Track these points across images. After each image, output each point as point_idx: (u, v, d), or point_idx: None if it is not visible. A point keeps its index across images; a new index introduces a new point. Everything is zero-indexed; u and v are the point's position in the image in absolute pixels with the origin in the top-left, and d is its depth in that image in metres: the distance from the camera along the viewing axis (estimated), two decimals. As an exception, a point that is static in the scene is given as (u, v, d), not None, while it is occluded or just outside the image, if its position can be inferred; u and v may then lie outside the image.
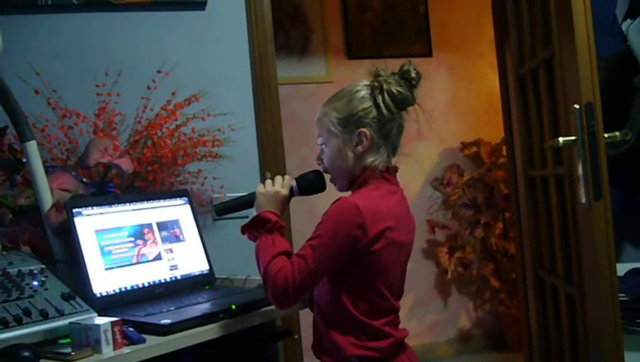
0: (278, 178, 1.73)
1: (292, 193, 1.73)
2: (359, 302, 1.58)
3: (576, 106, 1.98)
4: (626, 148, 2.48)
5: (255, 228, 1.65)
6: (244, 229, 1.68)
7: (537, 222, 2.74)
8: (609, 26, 2.62)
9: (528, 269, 2.90)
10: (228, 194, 2.33)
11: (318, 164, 1.72)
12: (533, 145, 2.71)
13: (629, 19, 2.60)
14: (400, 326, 1.67)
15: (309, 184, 1.74)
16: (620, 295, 2.09)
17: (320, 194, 1.76)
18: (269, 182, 1.72)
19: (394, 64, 1.67)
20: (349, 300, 1.57)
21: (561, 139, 2.04)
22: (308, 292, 1.61)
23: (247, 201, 1.76)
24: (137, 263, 1.90)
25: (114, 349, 1.43)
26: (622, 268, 2.41)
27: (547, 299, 2.67)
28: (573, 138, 2.01)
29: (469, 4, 4.44)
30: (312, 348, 1.68)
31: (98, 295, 1.76)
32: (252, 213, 1.72)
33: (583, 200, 1.99)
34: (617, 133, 2.07)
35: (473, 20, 4.45)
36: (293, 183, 1.73)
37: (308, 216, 2.26)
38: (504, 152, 3.67)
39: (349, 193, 1.66)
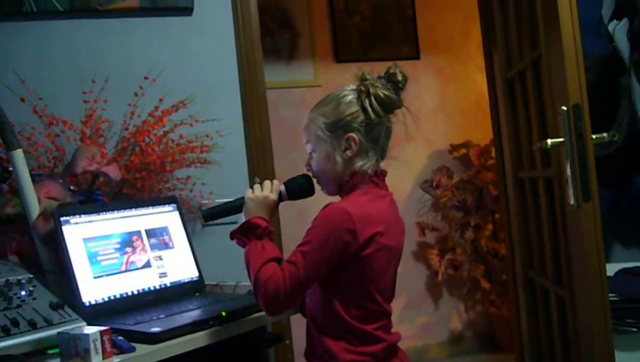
0: (267, 183, 1.71)
1: (281, 198, 1.72)
2: (351, 307, 1.57)
3: (564, 108, 1.99)
4: (614, 148, 2.49)
5: (244, 234, 1.63)
6: (234, 235, 1.66)
7: (527, 224, 2.74)
8: (595, 27, 2.63)
9: (518, 271, 2.90)
10: (217, 200, 2.32)
11: (308, 170, 1.72)
12: (522, 147, 2.72)
13: (615, 20, 2.61)
14: (392, 330, 1.67)
15: (298, 188, 1.73)
16: (610, 295, 2.09)
17: (311, 198, 1.75)
18: (257, 187, 1.71)
19: (382, 67, 1.67)
20: (341, 305, 1.57)
21: (549, 140, 2.05)
22: (299, 299, 1.60)
23: (236, 207, 1.74)
24: (126, 271, 1.88)
25: (103, 358, 1.42)
26: (612, 269, 2.42)
27: (538, 300, 2.67)
28: (562, 140, 2.01)
29: (457, 7, 4.45)
30: (304, 355, 1.67)
31: (87, 304, 1.75)
32: (241, 218, 1.71)
33: (572, 202, 1.99)
34: (605, 134, 2.08)
35: (460, 23, 4.46)
36: (282, 188, 1.72)
37: (298, 221, 2.26)
38: (493, 154, 3.67)
39: (338, 198, 1.66)
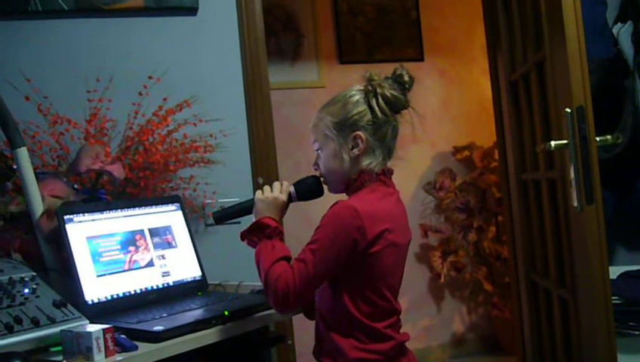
0: (277, 184, 1.73)
1: (290, 199, 1.73)
2: (361, 303, 1.58)
3: (568, 110, 1.99)
4: (618, 151, 2.49)
5: (255, 234, 1.65)
6: (244, 235, 1.67)
7: (530, 226, 2.74)
8: (600, 29, 2.63)
9: (521, 273, 2.90)
10: (220, 200, 2.32)
11: (315, 169, 1.73)
12: (525, 149, 2.72)
13: (619, 23, 2.61)
14: (400, 329, 1.68)
15: (307, 189, 1.74)
16: (613, 298, 2.09)
17: (316, 200, 1.76)
18: (267, 188, 1.72)
19: (386, 69, 1.68)
20: (351, 302, 1.58)
21: (553, 142, 2.05)
22: (309, 296, 1.61)
23: (246, 208, 1.75)
24: (129, 270, 1.89)
25: (106, 357, 1.42)
26: (614, 271, 2.41)
27: (540, 303, 2.67)
28: (565, 142, 2.01)
29: (461, 9, 4.45)
30: (313, 353, 1.68)
31: (90, 302, 1.75)
32: (247, 219, 1.71)
33: (575, 204, 1.99)
34: (609, 137, 2.08)
35: (465, 25, 4.46)
36: (292, 189, 1.73)
37: (304, 222, 2.26)
38: (496, 156, 3.67)
39: (345, 196, 1.67)
